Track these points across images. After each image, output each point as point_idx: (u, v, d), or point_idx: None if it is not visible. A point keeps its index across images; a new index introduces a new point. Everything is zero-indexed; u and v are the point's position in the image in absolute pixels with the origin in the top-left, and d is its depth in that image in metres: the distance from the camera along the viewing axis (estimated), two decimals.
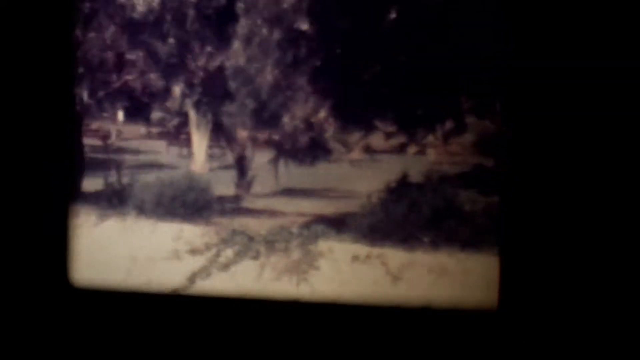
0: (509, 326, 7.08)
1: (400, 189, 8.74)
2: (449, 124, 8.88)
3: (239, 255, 8.91)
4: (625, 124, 6.99)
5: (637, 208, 6.89)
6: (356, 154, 9.20)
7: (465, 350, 7.22)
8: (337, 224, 8.78)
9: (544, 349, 6.91)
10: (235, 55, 9.55)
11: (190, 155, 9.89)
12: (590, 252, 6.93)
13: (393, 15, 8.90)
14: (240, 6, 9.49)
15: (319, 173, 9.21)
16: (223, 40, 9.71)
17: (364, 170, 9.04)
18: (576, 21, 7.07)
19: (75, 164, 9.14)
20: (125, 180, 9.71)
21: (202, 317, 8.29)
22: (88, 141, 10.38)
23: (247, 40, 9.49)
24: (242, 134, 9.65)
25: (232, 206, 9.41)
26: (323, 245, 8.73)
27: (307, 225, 8.86)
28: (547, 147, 7.04)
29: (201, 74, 9.83)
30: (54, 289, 8.14)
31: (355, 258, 8.63)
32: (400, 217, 8.59)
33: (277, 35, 9.31)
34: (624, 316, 6.84)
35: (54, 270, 8.30)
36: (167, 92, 10.07)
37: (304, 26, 9.17)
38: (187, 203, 9.36)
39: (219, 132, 9.85)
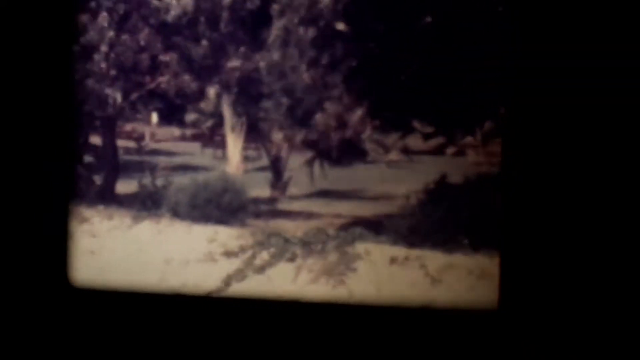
0: (509, 326, 6.93)
1: (439, 190, 8.61)
2: (488, 125, 8.75)
3: (275, 258, 8.80)
4: (626, 127, 6.85)
5: (636, 209, 6.80)
6: (393, 155, 9.09)
7: (465, 349, 7.23)
8: (375, 226, 8.66)
9: (543, 348, 6.80)
10: (270, 55, 9.47)
11: (224, 156, 9.84)
12: (590, 252, 6.83)
13: (428, 19, 8.80)
14: (275, 8, 9.41)
15: (356, 174, 9.11)
16: (257, 41, 9.64)
17: (401, 172, 8.92)
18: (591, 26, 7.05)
19: (74, 164, 9.05)
20: (159, 182, 9.66)
21: (201, 317, 8.18)
22: (122, 143, 10.37)
23: (282, 41, 9.41)
24: (278, 135, 9.56)
25: (268, 208, 9.34)
26: (360, 247, 8.61)
27: (344, 227, 8.74)
28: (548, 149, 7.00)
29: (236, 75, 9.77)
30: (55, 289, 8.08)
31: (393, 260, 8.49)
32: (440, 219, 8.45)
33: (312, 35, 9.22)
34: (623, 316, 6.77)
35: (54, 270, 8.24)
36: (201, 93, 10.03)
37: (340, 26, 9.08)
38: (222, 205, 9.28)
39: (254, 134, 9.78)
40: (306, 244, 8.77)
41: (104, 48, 9.95)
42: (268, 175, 9.49)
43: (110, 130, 10.18)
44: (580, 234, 6.89)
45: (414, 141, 9.03)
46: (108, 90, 9.92)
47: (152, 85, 10.05)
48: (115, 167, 10.06)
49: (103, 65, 9.93)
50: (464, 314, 7.47)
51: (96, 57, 9.95)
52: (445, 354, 7.15)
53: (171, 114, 10.20)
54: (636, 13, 6.86)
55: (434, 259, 8.35)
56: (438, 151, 8.91)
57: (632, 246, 6.82)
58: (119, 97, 10.01)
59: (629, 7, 6.88)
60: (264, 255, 8.85)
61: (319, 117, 9.20)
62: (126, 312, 8.08)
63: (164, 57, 10.03)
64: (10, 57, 7.86)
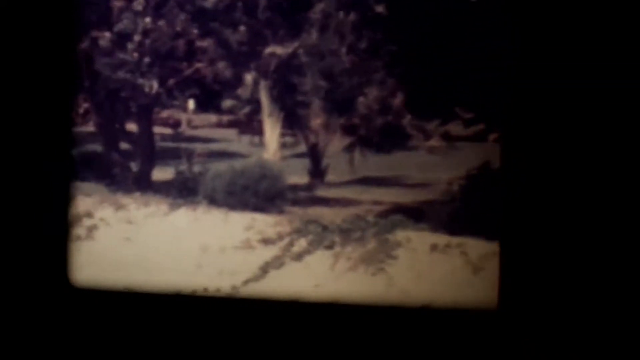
0: (509, 325, 6.85)
1: (482, 177, 8.45)
2: None
3: (313, 245, 8.69)
4: (624, 126, 6.76)
5: (635, 210, 6.73)
6: (434, 142, 8.94)
7: (465, 349, 7.22)
8: (415, 213, 8.52)
9: (543, 348, 6.74)
10: (309, 40, 9.35)
11: (262, 143, 9.75)
12: (589, 252, 6.75)
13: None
14: None
15: (396, 161, 8.98)
16: (295, 27, 9.52)
17: (442, 158, 8.78)
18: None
19: (73, 164, 8.96)
20: (196, 169, 9.57)
21: (201, 317, 8.09)
22: (158, 130, 10.30)
23: (322, 25, 9.29)
24: (316, 121, 9.45)
25: (306, 195, 9.22)
26: (400, 234, 8.47)
27: (383, 215, 8.61)
28: (548, 150, 6.95)
29: (274, 61, 9.67)
30: (55, 289, 8.05)
31: (434, 247, 8.35)
32: (482, 206, 8.30)
33: (352, 18, 9.09)
34: (623, 315, 6.71)
35: (54, 270, 8.21)
36: (238, 80, 9.92)
37: (380, 9, 8.94)
38: (259, 192, 9.17)
39: (292, 120, 9.68)
40: (345, 231, 8.66)
41: (137, 37, 9.88)
42: (306, 162, 9.37)
43: (146, 117, 10.12)
44: (580, 234, 6.81)
45: (455, 127, 8.87)
46: (142, 79, 9.84)
47: (188, 72, 9.97)
48: (152, 154, 10.00)
49: (136, 53, 9.87)
50: (464, 314, 7.36)
51: (130, 45, 9.89)
52: (445, 353, 7.06)
53: (208, 101, 10.11)
54: (636, 13, 6.78)
55: (476, 246, 8.20)
56: (479, 137, 8.73)
57: (631, 248, 6.75)
58: (154, 85, 9.93)
59: (629, 7, 6.80)
60: (302, 243, 8.76)
61: (359, 103, 9.07)
62: (126, 312, 8.01)
63: (201, 44, 9.94)
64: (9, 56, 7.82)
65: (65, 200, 8.13)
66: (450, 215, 8.43)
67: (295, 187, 9.23)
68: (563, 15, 6.85)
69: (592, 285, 6.78)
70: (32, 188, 7.85)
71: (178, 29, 9.93)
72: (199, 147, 9.89)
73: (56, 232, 7.95)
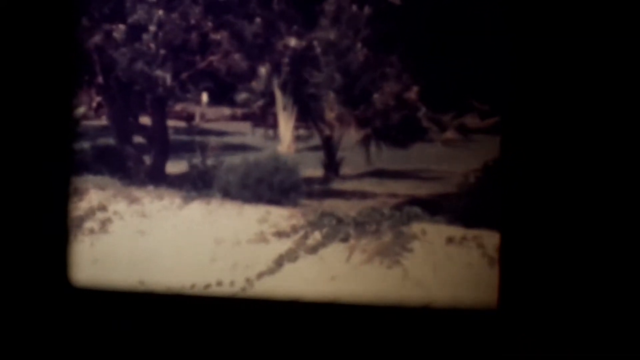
0: (509, 325, 6.79)
1: (499, 169, 8.39)
2: None
3: (328, 238, 8.64)
4: (624, 126, 6.71)
5: (634, 210, 6.68)
6: (450, 134, 8.89)
7: (465, 348, 7.03)
8: (431, 205, 8.46)
9: (543, 348, 6.68)
10: (324, 33, 9.30)
11: (276, 136, 9.71)
12: (589, 252, 6.70)
13: None
14: None
15: (411, 154, 8.93)
16: (310, 19, 9.47)
17: (458, 151, 8.73)
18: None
19: (73, 162, 8.92)
20: (209, 162, 9.53)
21: (201, 317, 8.06)
22: (172, 123, 10.26)
23: (336, 18, 9.24)
24: (330, 114, 9.40)
25: (320, 188, 9.18)
26: (416, 227, 8.41)
27: (399, 207, 8.55)
28: (548, 150, 6.86)
29: (288, 53, 9.62)
30: (55, 289, 8.04)
31: (450, 240, 8.29)
32: (498, 198, 8.24)
33: (367, 12, 9.04)
34: (622, 315, 6.67)
35: (54, 270, 8.20)
36: (252, 72, 9.89)
37: (396, 1, 8.88)
38: (274, 185, 9.12)
39: (306, 113, 9.63)
40: (360, 223, 8.60)
41: (152, 27, 9.83)
42: (320, 155, 9.31)
43: (160, 111, 10.08)
44: (581, 234, 6.76)
45: (471, 120, 8.81)
46: (158, 71, 9.80)
47: (202, 65, 9.92)
48: (165, 147, 9.97)
49: (152, 45, 9.82)
50: (464, 313, 7.32)
51: (145, 36, 9.84)
52: (445, 353, 7.02)
53: (221, 94, 10.07)
54: (636, 13, 6.73)
55: (492, 238, 8.13)
56: (495, 129, 8.65)
57: (631, 246, 6.70)
58: (168, 77, 9.89)
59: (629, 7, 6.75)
60: (317, 236, 8.71)
61: (374, 95, 9.02)
62: (126, 312, 7.98)
63: (215, 36, 9.89)
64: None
65: (65, 199, 8.11)
66: (467, 207, 8.36)
67: (309, 180, 9.19)
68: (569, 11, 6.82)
69: (593, 285, 6.74)
70: (32, 188, 7.83)
71: (192, 21, 9.88)
72: (212, 140, 9.85)
73: (56, 231, 7.94)
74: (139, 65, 9.82)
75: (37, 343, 7.52)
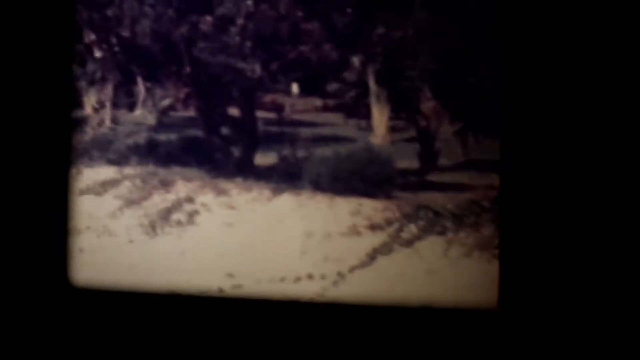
0: (509, 326, 6.83)
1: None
2: None
3: (424, 231, 8.37)
4: (624, 126, 6.75)
5: (634, 210, 6.70)
6: None
7: (465, 348, 7.04)
8: None
9: (543, 348, 6.70)
10: (419, 21, 9.03)
11: (369, 127, 9.47)
12: (589, 252, 6.72)
13: None
14: None
15: None
16: (404, 7, 9.22)
17: None
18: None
19: (71, 160, 8.78)
20: (300, 153, 9.32)
21: (201, 317, 7.90)
22: (261, 114, 10.08)
23: (433, 6, 8.97)
24: (426, 104, 9.14)
25: (416, 180, 8.92)
26: None
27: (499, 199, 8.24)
28: (547, 149, 6.83)
29: (382, 43, 9.38)
30: (55, 289, 7.99)
31: None
32: None
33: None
34: (622, 315, 6.67)
35: (54, 270, 8.13)
36: (344, 63, 9.67)
37: None
38: (367, 177, 8.88)
39: (401, 103, 9.39)
40: (458, 217, 8.33)
41: (240, 20, 9.68)
42: (416, 146, 9.04)
43: (249, 102, 9.89)
44: (581, 234, 6.76)
45: None
46: (243, 63, 9.63)
47: (292, 55, 9.72)
48: (254, 139, 9.77)
49: (238, 37, 9.67)
50: (464, 313, 7.22)
51: (232, 29, 9.69)
52: (445, 353, 7.04)
53: (312, 84, 9.86)
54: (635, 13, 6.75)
55: None
56: None
57: (631, 246, 6.72)
58: (257, 69, 9.70)
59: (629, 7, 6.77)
60: (412, 229, 8.45)
61: (470, 86, 8.72)
62: (126, 312, 7.86)
63: (305, 26, 9.68)
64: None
65: (65, 199, 8.08)
66: None
67: (405, 172, 8.92)
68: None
69: (593, 285, 6.73)
70: (32, 187, 7.85)
71: (282, 11, 9.70)
72: (303, 131, 9.64)
73: (56, 230, 7.94)
74: (227, 56, 9.67)
75: (37, 343, 7.59)
